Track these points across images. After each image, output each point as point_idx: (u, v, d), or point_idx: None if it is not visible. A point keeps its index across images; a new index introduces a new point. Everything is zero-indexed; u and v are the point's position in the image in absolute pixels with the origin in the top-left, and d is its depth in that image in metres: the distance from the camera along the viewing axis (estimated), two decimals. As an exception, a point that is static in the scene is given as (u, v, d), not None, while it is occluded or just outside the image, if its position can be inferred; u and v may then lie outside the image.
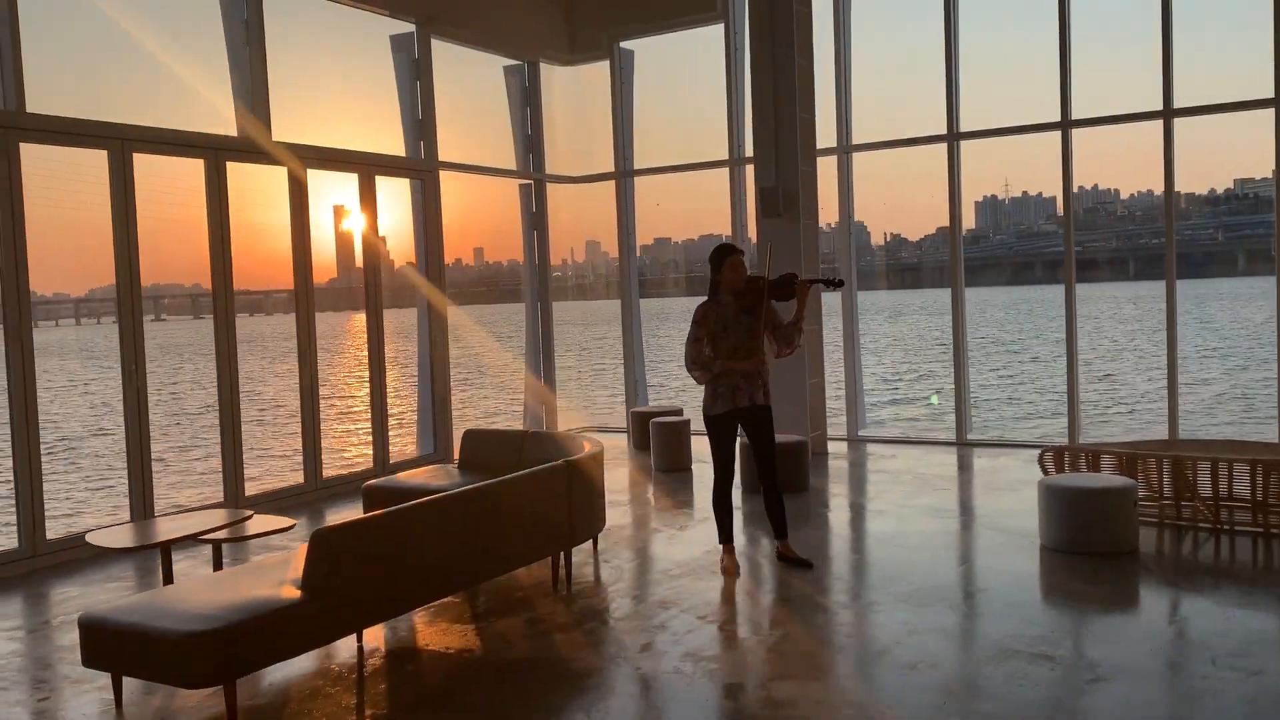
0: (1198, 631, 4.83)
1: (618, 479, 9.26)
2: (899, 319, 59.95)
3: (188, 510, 7.57)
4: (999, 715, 3.99)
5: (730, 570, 6.14)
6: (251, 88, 8.48)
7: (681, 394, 23.90)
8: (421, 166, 10.11)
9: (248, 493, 8.40)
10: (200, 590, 4.57)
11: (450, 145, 10.63)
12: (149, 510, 7.61)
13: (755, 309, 6.03)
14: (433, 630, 5.31)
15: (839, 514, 7.70)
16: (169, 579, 5.73)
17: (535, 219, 11.74)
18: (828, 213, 10.84)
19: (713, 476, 6.24)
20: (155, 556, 6.68)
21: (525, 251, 11.84)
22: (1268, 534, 6.50)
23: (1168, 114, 9.18)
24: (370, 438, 9.88)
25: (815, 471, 9.10)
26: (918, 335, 48.84)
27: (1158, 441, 7.57)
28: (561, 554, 6.06)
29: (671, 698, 4.31)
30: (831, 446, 10.42)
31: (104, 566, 6.89)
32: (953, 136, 10.08)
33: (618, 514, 7.85)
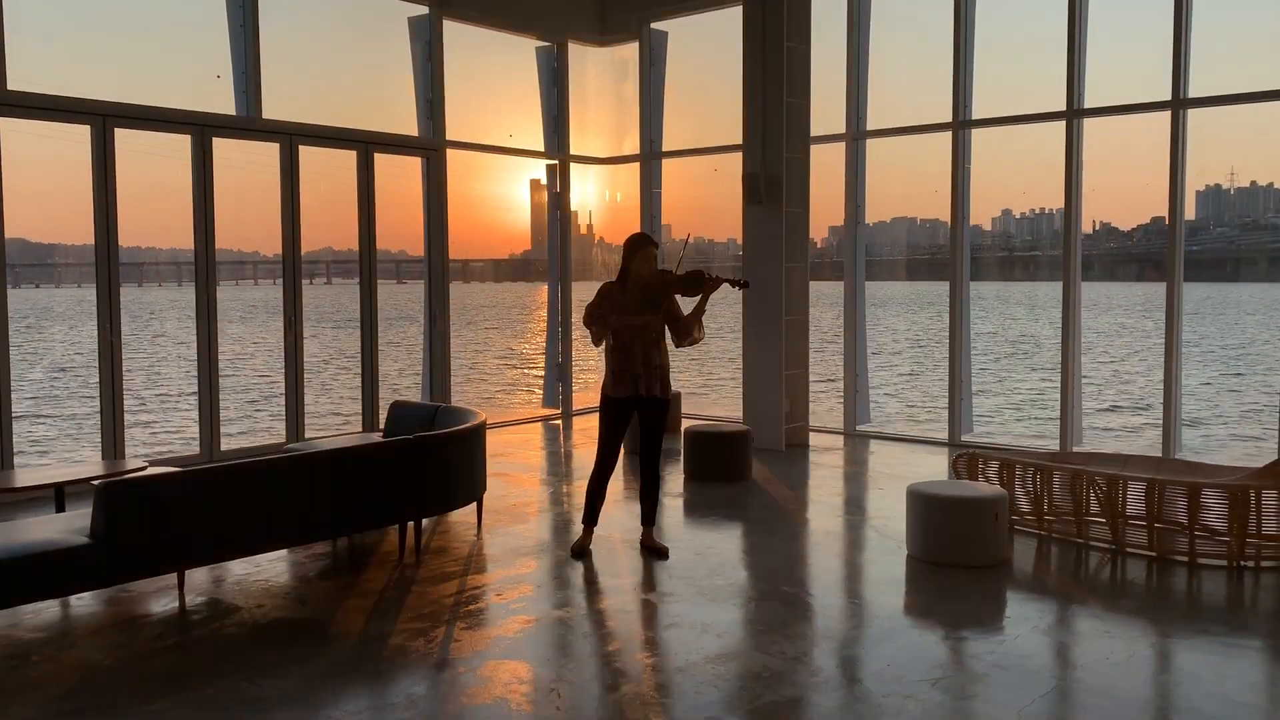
0: (959, 653, 4.59)
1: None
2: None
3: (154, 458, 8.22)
4: (673, 711, 3.97)
5: (579, 550, 6.22)
6: (246, 69, 9.03)
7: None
8: (428, 145, 10.48)
9: (224, 447, 9.03)
10: (15, 529, 5.06)
11: (485, 125, 11.18)
12: (119, 453, 8.32)
13: (658, 302, 6.09)
14: (250, 585, 5.65)
15: (745, 507, 7.59)
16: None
17: (557, 199, 11.92)
18: (831, 201, 10.58)
19: (595, 458, 6.28)
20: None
21: (549, 233, 12.03)
22: (1161, 558, 6.05)
23: None
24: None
25: (773, 462, 8.98)
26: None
27: (1080, 454, 7.11)
28: (411, 525, 6.29)
29: (380, 669, 4.46)
30: (824, 440, 10.22)
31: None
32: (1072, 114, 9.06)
33: (559, 496, 8.00)
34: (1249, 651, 4.65)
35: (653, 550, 6.29)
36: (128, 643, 4.80)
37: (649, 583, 5.70)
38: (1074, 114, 8.99)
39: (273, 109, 9.15)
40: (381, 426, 10.23)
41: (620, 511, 7.28)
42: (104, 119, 8.12)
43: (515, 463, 9.21)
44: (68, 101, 7.94)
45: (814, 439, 10.16)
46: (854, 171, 10.37)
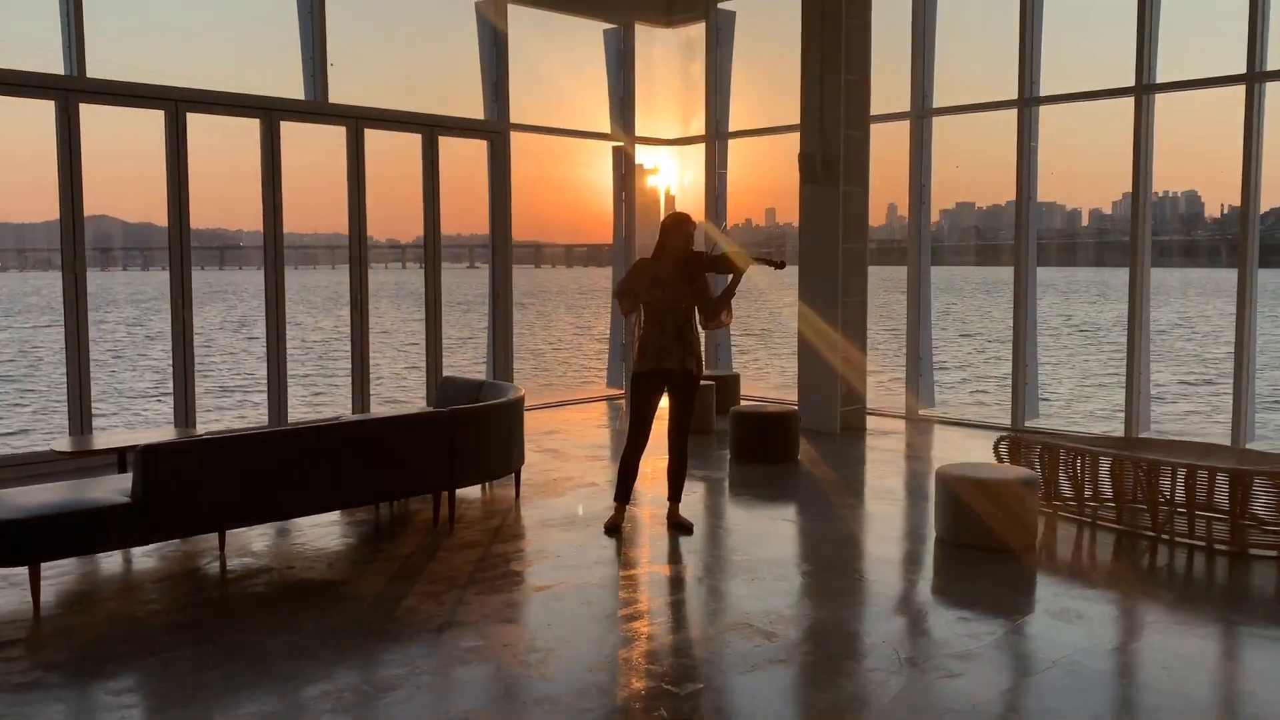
0: (959, 633, 4.54)
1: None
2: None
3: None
4: (658, 677, 4.04)
5: (611, 527, 6.30)
6: (313, 53, 9.34)
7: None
8: (493, 128, 10.66)
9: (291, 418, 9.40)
10: (68, 488, 5.41)
11: (563, 107, 11.47)
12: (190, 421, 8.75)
13: (692, 279, 6.15)
14: (288, 548, 5.92)
15: (784, 488, 7.57)
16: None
17: (624, 181, 12.00)
18: (891, 180, 10.40)
19: (627, 435, 6.35)
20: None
21: (615, 215, 12.12)
22: (1210, 547, 5.84)
23: None
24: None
25: (825, 445, 8.93)
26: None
27: (1132, 440, 6.89)
28: (446, 494, 6.48)
29: (386, 629, 4.64)
30: (884, 424, 10.11)
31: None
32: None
33: (602, 472, 8.14)
34: (1268, 642, 4.48)
35: (677, 526, 6.35)
36: (161, 597, 5.09)
37: (667, 557, 5.77)
38: (1143, 89, 8.66)
39: (339, 93, 9.45)
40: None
41: (659, 487, 7.34)
42: (176, 104, 8.50)
43: (568, 439, 9.36)
44: (142, 88, 8.34)
45: (873, 423, 10.05)
46: (918, 150, 10.19)
